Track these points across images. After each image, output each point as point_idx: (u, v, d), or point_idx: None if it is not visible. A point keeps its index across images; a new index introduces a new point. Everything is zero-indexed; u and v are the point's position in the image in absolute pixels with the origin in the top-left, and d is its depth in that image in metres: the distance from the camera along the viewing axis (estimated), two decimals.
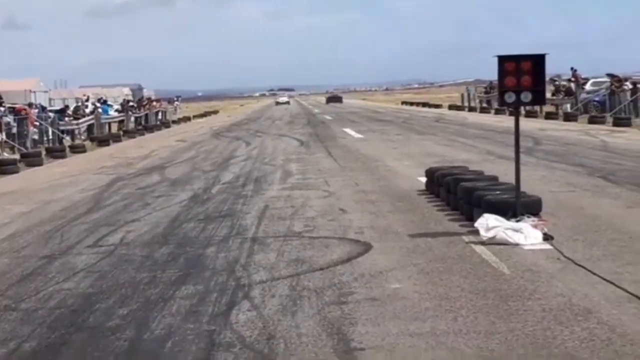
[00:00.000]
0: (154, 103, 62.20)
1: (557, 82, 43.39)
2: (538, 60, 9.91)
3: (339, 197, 13.96)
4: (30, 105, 36.33)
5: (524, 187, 10.24)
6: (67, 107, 42.52)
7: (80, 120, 39.54)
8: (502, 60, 9.90)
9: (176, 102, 79.58)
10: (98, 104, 45.93)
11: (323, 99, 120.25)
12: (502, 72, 9.87)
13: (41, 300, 7.83)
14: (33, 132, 32.27)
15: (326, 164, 20.15)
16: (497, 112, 43.37)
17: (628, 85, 34.85)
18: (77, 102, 52.91)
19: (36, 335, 6.69)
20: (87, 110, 42.62)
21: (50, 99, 56.52)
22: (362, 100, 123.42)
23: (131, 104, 54.57)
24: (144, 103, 56.68)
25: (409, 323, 6.47)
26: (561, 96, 41.57)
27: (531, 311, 6.60)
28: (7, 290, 8.31)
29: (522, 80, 9.83)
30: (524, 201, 9.94)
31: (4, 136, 28.99)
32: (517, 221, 9.47)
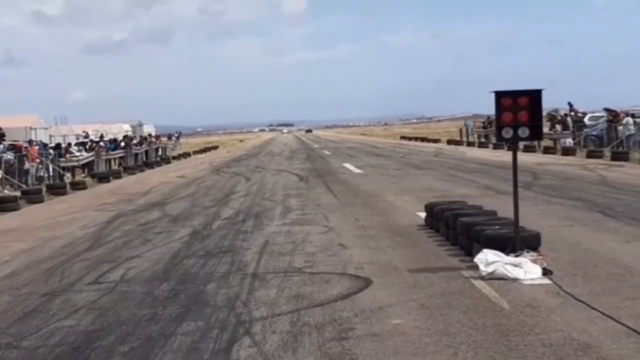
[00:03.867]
0: (154, 139, 62.40)
1: (554, 114, 43.64)
2: (535, 96, 9.98)
3: (339, 232, 14.00)
4: (30, 142, 36.47)
5: (522, 222, 10.28)
6: (59, 144, 42.11)
7: (81, 157, 39.70)
8: (499, 96, 9.97)
9: (174, 138, 79.80)
10: (102, 143, 46.18)
11: (321, 133, 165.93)
12: (500, 107, 9.95)
13: (42, 337, 7.85)
14: (37, 169, 32.37)
15: (326, 200, 20.20)
16: (496, 146, 43.50)
17: (630, 120, 34.88)
18: (77, 138, 53.07)
19: None
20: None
21: (50, 136, 56.63)
22: (361, 135, 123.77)
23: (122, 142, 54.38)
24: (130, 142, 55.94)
25: (409, 359, 6.49)
26: (559, 129, 41.74)
27: (531, 346, 6.63)
28: (8, 328, 8.34)
29: (519, 116, 9.91)
30: (523, 236, 9.98)
31: (2, 172, 29.05)
32: (517, 256, 9.50)
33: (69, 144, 43.55)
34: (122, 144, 50.65)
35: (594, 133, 38.24)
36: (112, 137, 57.57)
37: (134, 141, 54.34)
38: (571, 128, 40.08)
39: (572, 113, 42.44)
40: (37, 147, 34.85)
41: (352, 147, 62.24)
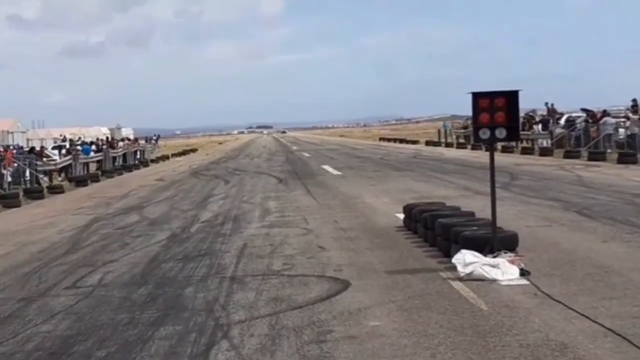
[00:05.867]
0: (132, 142, 62.08)
1: (532, 115, 43.93)
2: (512, 97, 10.02)
3: (318, 234, 14.00)
4: (7, 147, 36.17)
5: (500, 223, 10.33)
6: (33, 148, 41.88)
7: (59, 160, 39.45)
8: (476, 97, 10.01)
9: (152, 141, 79.53)
10: (78, 147, 45.89)
11: (300, 135, 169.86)
12: (477, 108, 9.98)
13: (19, 343, 7.80)
14: (8, 174, 32.07)
15: (305, 202, 20.19)
16: (474, 147, 43.66)
17: (609, 120, 35.05)
18: (54, 142, 52.69)
19: None
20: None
21: (28, 140, 56.31)
22: (340, 137, 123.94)
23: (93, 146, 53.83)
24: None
25: None
26: (536, 130, 41.92)
27: (509, 347, 6.65)
28: None
29: (496, 117, 9.94)
30: (501, 237, 10.02)
31: None
32: (494, 257, 9.54)
33: (42, 147, 43.22)
34: (94, 147, 50.22)
35: (570, 133, 38.42)
36: (89, 140, 57.22)
37: (104, 145, 53.64)
38: (549, 128, 40.24)
39: (561, 114, 42.55)
40: (14, 151, 34.54)
41: (332, 149, 62.20)
